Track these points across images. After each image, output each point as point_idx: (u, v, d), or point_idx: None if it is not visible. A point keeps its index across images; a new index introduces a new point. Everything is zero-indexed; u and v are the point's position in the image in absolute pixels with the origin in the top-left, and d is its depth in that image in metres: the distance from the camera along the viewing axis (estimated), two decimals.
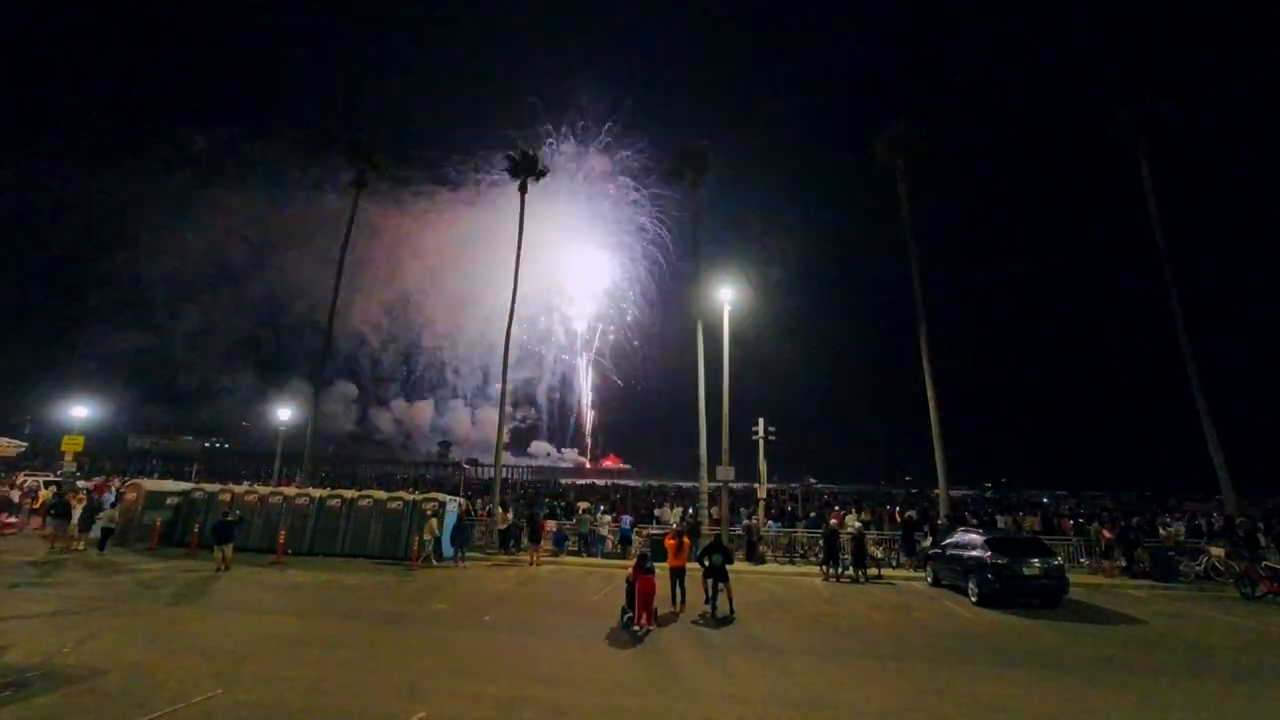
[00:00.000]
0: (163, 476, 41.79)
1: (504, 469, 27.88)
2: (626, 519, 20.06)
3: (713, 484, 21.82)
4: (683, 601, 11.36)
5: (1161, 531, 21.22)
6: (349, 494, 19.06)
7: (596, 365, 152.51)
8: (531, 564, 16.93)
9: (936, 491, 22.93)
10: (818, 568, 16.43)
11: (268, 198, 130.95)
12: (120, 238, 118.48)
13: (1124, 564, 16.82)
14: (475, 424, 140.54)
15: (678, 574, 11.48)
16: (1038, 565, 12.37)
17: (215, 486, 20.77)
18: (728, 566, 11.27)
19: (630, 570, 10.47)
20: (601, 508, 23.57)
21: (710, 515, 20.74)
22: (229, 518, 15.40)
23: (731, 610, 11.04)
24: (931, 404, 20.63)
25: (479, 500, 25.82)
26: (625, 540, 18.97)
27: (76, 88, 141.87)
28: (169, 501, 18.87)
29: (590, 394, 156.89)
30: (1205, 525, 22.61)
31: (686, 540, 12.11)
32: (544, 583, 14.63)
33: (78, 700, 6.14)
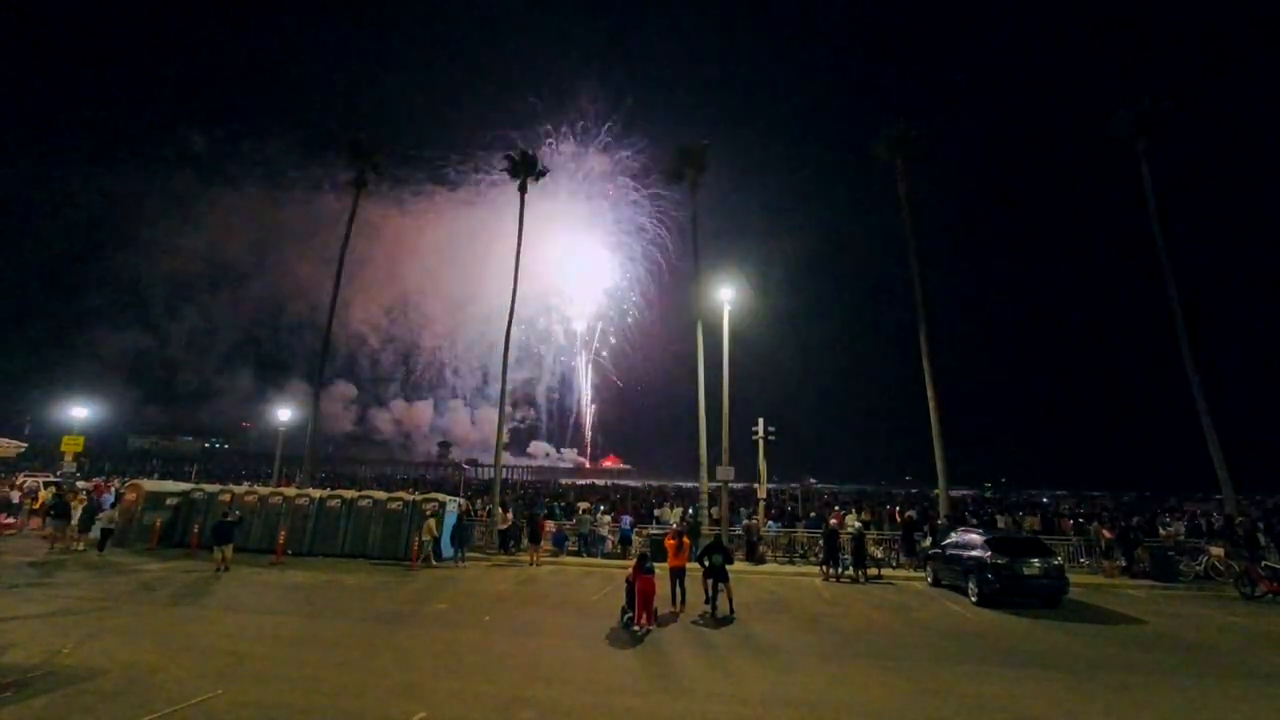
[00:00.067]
0: (162, 477, 41.78)
1: (504, 469, 27.88)
2: (626, 519, 20.06)
3: (713, 484, 21.82)
4: (683, 601, 11.36)
5: (1161, 531, 21.22)
6: (349, 494, 19.06)
7: (596, 365, 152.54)
8: (531, 564, 16.93)
9: (936, 491, 22.93)
10: (818, 568, 16.43)
11: (267, 198, 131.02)
12: (120, 238, 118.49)
13: (1124, 564, 16.82)
14: (475, 424, 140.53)
15: (678, 574, 11.48)
16: (1038, 565, 12.37)
17: (215, 487, 20.77)
18: (728, 566, 11.28)
19: (630, 570, 10.47)
20: (601, 508, 23.58)
21: (710, 515, 20.74)
22: (229, 518, 15.40)
23: (731, 610, 11.04)
24: (931, 404, 20.64)
25: (479, 500, 25.82)
26: (625, 540, 18.97)
27: (76, 88, 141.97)
28: (169, 502, 18.87)
29: (590, 394, 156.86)
30: (1205, 525, 22.63)
31: (686, 540, 12.11)
32: (544, 583, 14.63)
33: (78, 700, 6.14)
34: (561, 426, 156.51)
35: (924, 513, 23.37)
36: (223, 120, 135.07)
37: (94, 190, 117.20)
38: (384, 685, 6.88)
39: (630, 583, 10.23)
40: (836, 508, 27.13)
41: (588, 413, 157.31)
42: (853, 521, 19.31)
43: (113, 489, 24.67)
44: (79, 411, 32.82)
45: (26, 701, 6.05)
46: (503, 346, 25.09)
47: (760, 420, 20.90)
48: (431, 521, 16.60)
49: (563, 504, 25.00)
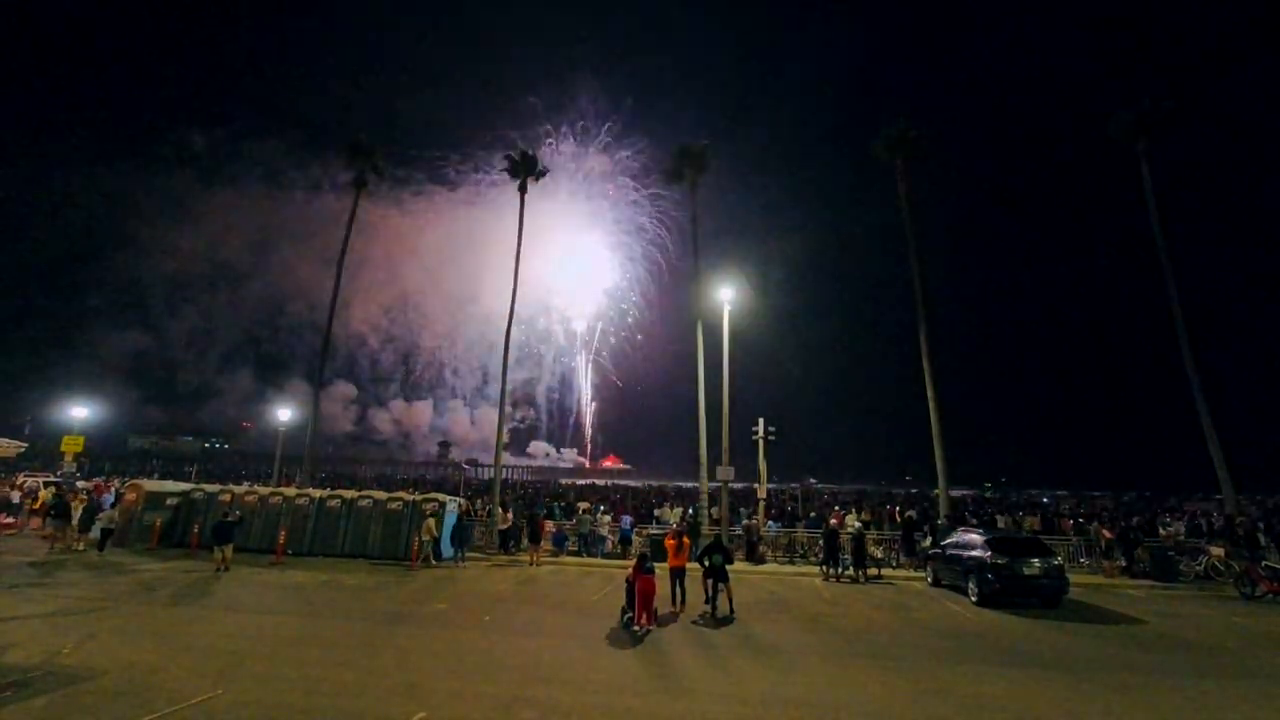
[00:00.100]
0: (162, 477, 41.77)
1: (504, 469, 27.88)
2: (626, 519, 20.07)
3: (713, 484, 21.81)
4: (683, 602, 11.36)
5: (1161, 531, 21.22)
6: (349, 494, 19.05)
7: (596, 365, 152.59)
8: (531, 564, 16.93)
9: (936, 491, 22.92)
10: (818, 568, 16.42)
11: (267, 197, 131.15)
12: (120, 238, 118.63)
13: (1124, 564, 16.82)
14: (474, 424, 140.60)
15: (678, 574, 11.48)
16: (1038, 565, 12.36)
17: (215, 487, 20.77)
18: (728, 567, 11.28)
19: (630, 570, 10.47)
20: (601, 508, 23.58)
21: (710, 515, 20.74)
22: (229, 518, 15.40)
23: (731, 610, 11.04)
24: (931, 404, 20.63)
25: (479, 500, 25.82)
26: (625, 540, 18.97)
27: (76, 88, 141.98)
28: (169, 502, 18.87)
29: (590, 394, 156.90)
30: (1205, 525, 22.63)
31: (686, 540, 12.11)
32: (544, 583, 14.63)
33: (78, 700, 6.14)
34: (561, 426, 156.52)
35: (924, 513, 23.37)
36: (222, 120, 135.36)
37: (94, 190, 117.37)
38: (384, 685, 6.88)
39: (630, 583, 10.23)
40: (836, 508, 27.14)
41: (588, 413, 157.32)
42: (853, 521, 19.30)
43: (113, 489, 24.67)
44: (79, 411, 32.82)
45: (26, 701, 6.05)
46: (503, 346, 25.09)
47: (760, 420, 20.92)
48: (431, 521, 16.60)
49: (563, 504, 25.00)
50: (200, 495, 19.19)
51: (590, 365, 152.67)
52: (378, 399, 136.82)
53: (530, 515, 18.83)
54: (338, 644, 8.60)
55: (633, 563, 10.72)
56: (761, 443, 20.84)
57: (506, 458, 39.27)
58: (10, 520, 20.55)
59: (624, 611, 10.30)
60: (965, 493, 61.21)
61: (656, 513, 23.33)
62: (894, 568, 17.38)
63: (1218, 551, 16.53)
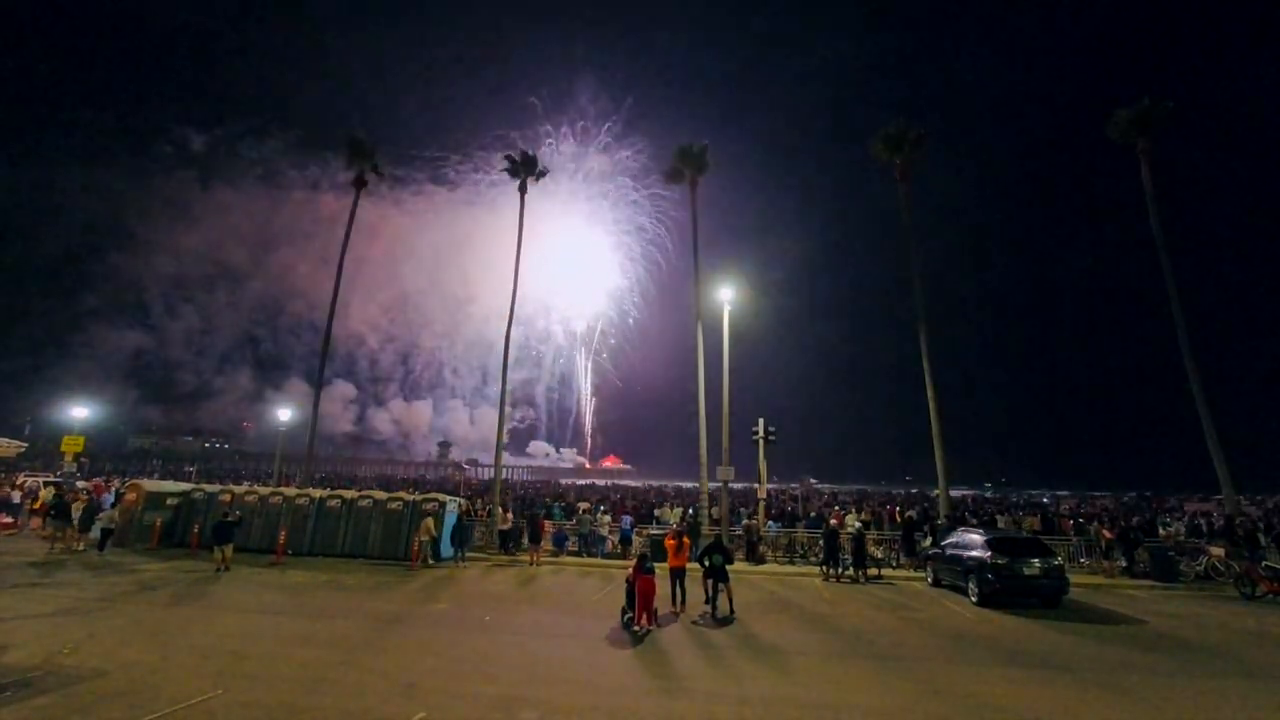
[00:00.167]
0: (163, 477, 41.76)
1: (504, 469, 27.85)
2: (627, 519, 20.06)
3: (713, 484, 21.78)
4: (683, 602, 11.35)
5: (1161, 531, 21.22)
6: (349, 494, 19.04)
7: (596, 365, 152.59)
8: (532, 564, 16.92)
9: (936, 491, 22.91)
10: (818, 568, 16.42)
11: (266, 197, 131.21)
12: (119, 238, 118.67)
13: (1124, 564, 16.81)
14: (474, 424, 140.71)
15: (678, 574, 11.47)
16: (1038, 565, 12.36)
17: (215, 487, 20.77)
18: (728, 567, 11.27)
19: (630, 570, 10.46)
20: (602, 508, 23.56)
21: (710, 515, 20.74)
22: (229, 518, 15.40)
23: (731, 610, 11.03)
24: (931, 404, 20.62)
25: (479, 500, 25.81)
26: (625, 540, 18.97)
27: (75, 88, 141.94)
28: (169, 502, 18.86)
29: (590, 394, 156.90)
30: (1205, 525, 22.63)
31: (686, 540, 12.10)
32: (544, 583, 14.63)
33: (78, 700, 6.14)
34: (561, 426, 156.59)
35: (924, 513, 23.36)
36: (222, 120, 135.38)
37: (93, 190, 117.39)
38: (384, 685, 6.88)
39: (630, 583, 10.23)
40: (836, 508, 27.15)
41: (587, 413, 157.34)
42: (853, 521, 19.30)
43: (113, 489, 24.67)
44: (79, 411, 32.84)
45: (26, 701, 6.05)
46: (502, 346, 25.09)
47: (760, 420, 20.88)
48: (429, 521, 16.59)
49: (563, 504, 24.99)
50: (200, 495, 19.19)
51: (590, 365, 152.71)
52: (377, 399, 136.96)
53: (530, 515, 18.83)
54: (338, 644, 8.60)
55: (633, 563, 10.72)
56: (761, 443, 20.82)
57: (506, 458, 39.26)
58: (10, 520, 20.55)
59: (624, 611, 10.30)
60: (965, 493, 61.27)
61: (656, 513, 23.31)
62: (894, 568, 17.38)
63: (1218, 551, 16.53)
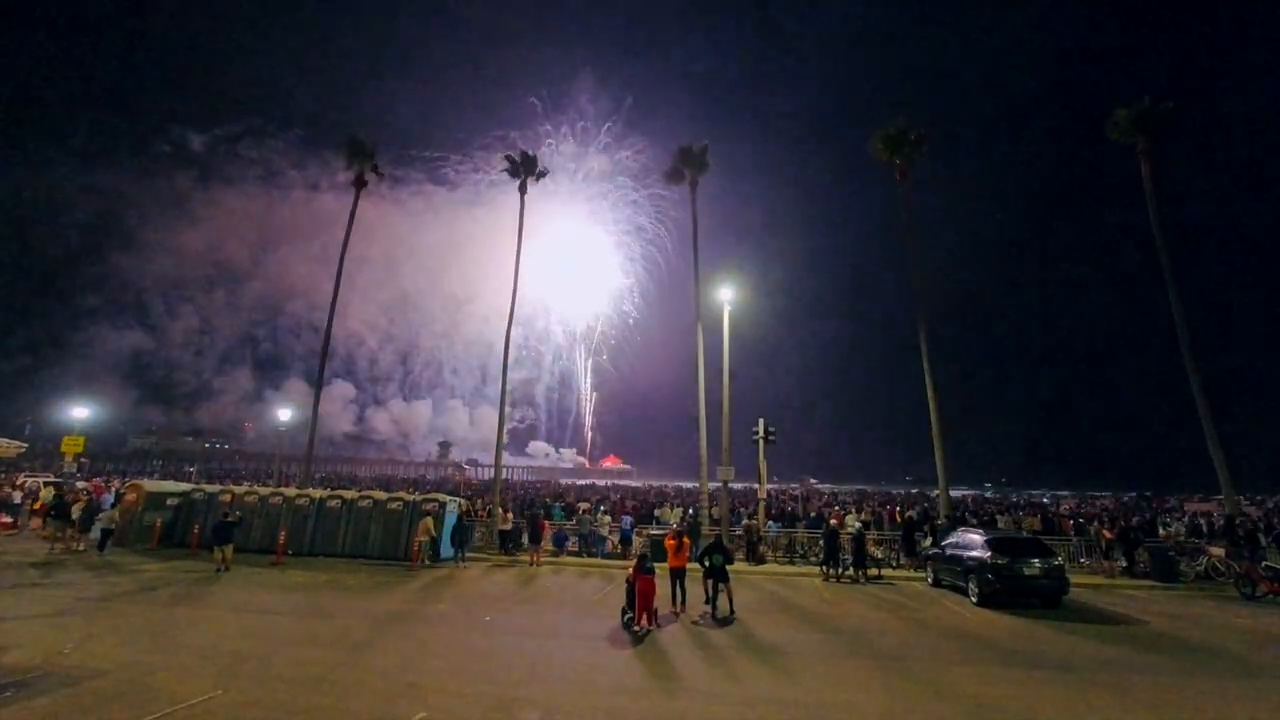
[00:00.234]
0: (163, 477, 41.77)
1: (504, 469, 27.84)
2: (627, 519, 20.05)
3: (713, 484, 21.77)
4: (683, 602, 11.34)
5: (1161, 531, 21.23)
6: (349, 495, 19.04)
7: (596, 365, 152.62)
8: (532, 564, 16.92)
9: (936, 492, 22.90)
10: (818, 568, 16.41)
11: (265, 198, 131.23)
12: (118, 238, 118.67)
13: (1124, 564, 16.81)
14: (473, 424, 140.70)
15: (678, 574, 11.46)
16: (1038, 565, 12.36)
17: (215, 487, 20.77)
18: (728, 567, 11.27)
19: (630, 570, 10.46)
20: (602, 508, 23.55)
21: (710, 515, 20.73)
22: (229, 518, 15.39)
23: (732, 610, 11.03)
24: (931, 404, 20.61)
25: (479, 501, 25.81)
26: (625, 540, 18.96)
27: (74, 87, 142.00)
28: (169, 502, 18.86)
29: (590, 394, 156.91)
30: (1205, 525, 22.63)
31: (686, 540, 12.09)
32: (544, 583, 14.63)
33: (78, 701, 6.14)
34: (561, 426, 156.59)
35: (924, 513, 23.36)
36: (221, 120, 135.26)
37: (92, 190, 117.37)
38: (384, 685, 6.88)
39: (630, 583, 10.23)
40: (836, 508, 27.15)
41: (587, 413, 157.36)
42: (853, 521, 19.29)
43: (113, 489, 24.68)
44: (79, 411, 32.86)
45: (26, 701, 6.05)
46: (502, 346, 25.09)
47: (760, 420, 20.87)
48: (428, 520, 16.57)
49: (563, 504, 24.99)
50: (200, 495, 19.18)
51: (590, 365, 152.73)
52: (376, 399, 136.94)
53: (530, 515, 18.82)
54: (338, 644, 8.60)
55: (633, 563, 10.72)
56: (761, 443, 20.81)
57: (506, 458, 39.26)
58: (9, 521, 20.55)
59: (624, 611, 10.30)
60: (965, 493, 61.31)
61: (657, 513, 23.30)
62: (894, 568, 17.37)
63: (1218, 552, 16.53)
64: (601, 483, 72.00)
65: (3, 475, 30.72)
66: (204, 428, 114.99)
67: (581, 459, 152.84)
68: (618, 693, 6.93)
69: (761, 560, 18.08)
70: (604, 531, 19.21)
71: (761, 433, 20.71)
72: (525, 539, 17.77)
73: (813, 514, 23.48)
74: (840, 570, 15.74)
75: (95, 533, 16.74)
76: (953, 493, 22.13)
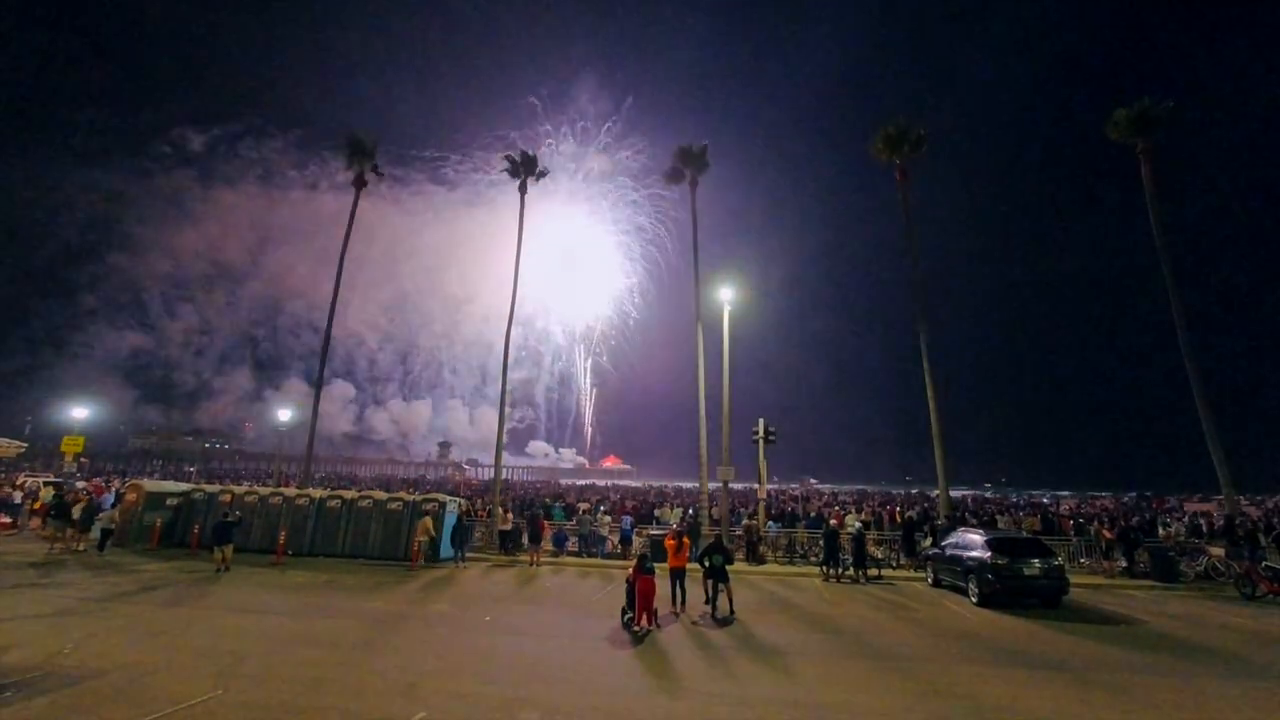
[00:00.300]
0: (163, 477, 41.76)
1: (504, 469, 27.83)
2: (627, 519, 20.04)
3: (713, 484, 21.76)
4: (683, 602, 11.34)
5: (1161, 531, 21.23)
6: (349, 494, 19.03)
7: (595, 365, 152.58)
8: (532, 564, 16.92)
9: (936, 492, 22.90)
10: (818, 568, 16.42)
11: (265, 197, 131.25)
12: (117, 238, 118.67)
13: (1124, 564, 16.81)
14: (473, 423, 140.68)
15: (678, 574, 11.46)
16: (1038, 565, 12.36)
17: (215, 487, 20.76)
18: (728, 567, 11.28)
19: (630, 571, 10.46)
20: (602, 508, 23.57)
21: (710, 515, 20.73)
22: (229, 518, 15.39)
23: (731, 611, 11.04)
24: (931, 404, 20.61)
25: (479, 501, 25.81)
26: (625, 540, 18.95)
27: (73, 86, 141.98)
28: (169, 502, 18.86)
29: (590, 394, 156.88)
30: (1205, 525, 22.63)
31: (686, 541, 12.10)
32: (544, 583, 14.63)
33: (78, 701, 6.14)
34: (561, 426, 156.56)
35: (924, 513, 23.38)
36: (220, 120, 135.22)
37: (91, 190, 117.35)
38: (384, 685, 6.88)
39: (630, 583, 10.23)
40: (836, 508, 27.17)
41: (587, 412, 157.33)
42: (853, 521, 19.29)
43: (113, 489, 24.67)
44: (79, 411, 32.86)
45: (26, 702, 6.05)
46: (502, 346, 25.08)
47: (760, 420, 20.87)
48: (427, 520, 16.57)
49: (563, 504, 25.00)
50: (200, 495, 19.18)
51: (590, 365, 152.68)
52: (376, 399, 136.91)
53: (530, 515, 18.82)
54: (338, 644, 8.60)
55: (633, 563, 10.71)
56: (761, 443, 20.80)
57: (506, 458, 39.25)
58: (8, 521, 20.54)
59: (624, 612, 10.30)
60: (965, 493, 61.32)
61: (657, 513, 23.32)
62: (894, 568, 17.37)
63: (1218, 552, 16.53)
64: (601, 483, 72.02)
65: (3, 475, 30.72)
66: (204, 428, 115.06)
67: (581, 459, 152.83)
68: (618, 693, 6.93)
69: (761, 560, 18.08)
70: (604, 531, 19.21)
71: (761, 433, 20.71)
72: (525, 539, 17.77)
73: (813, 514, 23.49)
74: (840, 570, 15.74)
75: (95, 533, 16.74)
76: (953, 493, 22.13)
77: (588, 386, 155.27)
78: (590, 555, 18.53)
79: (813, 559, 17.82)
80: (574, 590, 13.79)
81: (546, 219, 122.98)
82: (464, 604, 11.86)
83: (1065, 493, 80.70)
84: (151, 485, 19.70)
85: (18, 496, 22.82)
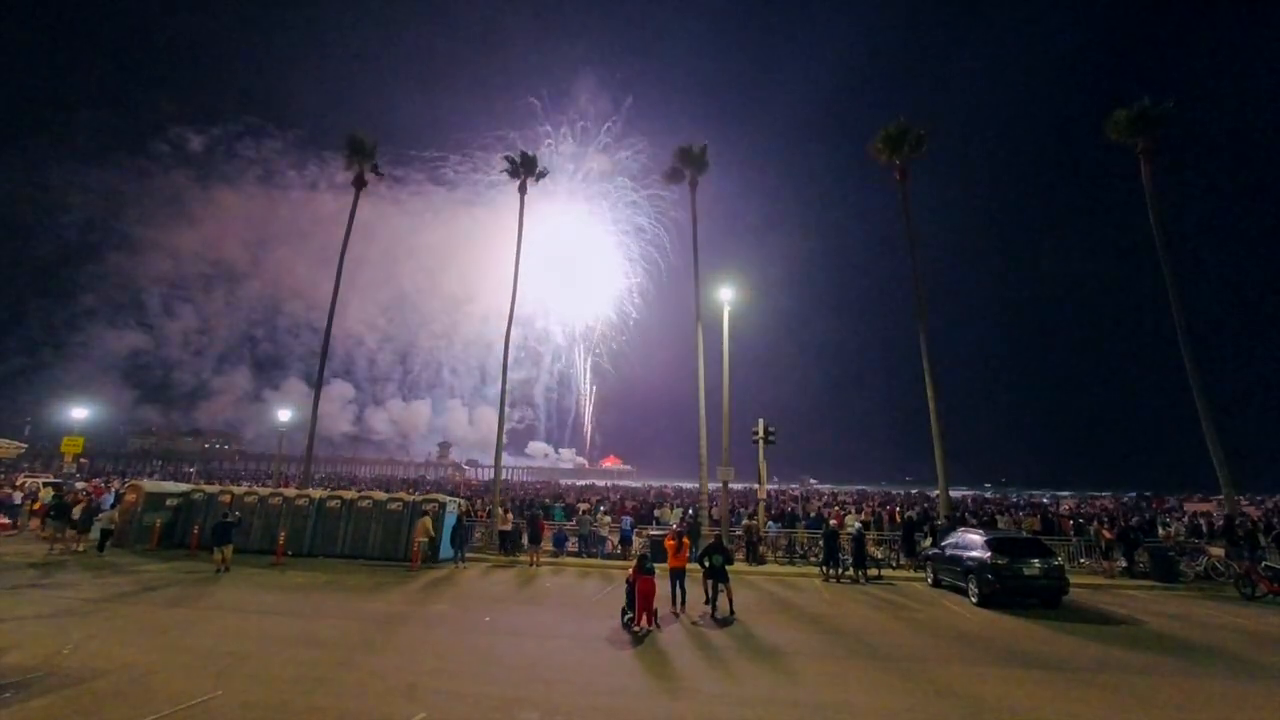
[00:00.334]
0: (163, 477, 41.76)
1: (504, 470, 27.81)
2: (626, 519, 20.05)
3: (713, 484, 21.74)
4: (683, 602, 11.34)
5: (1161, 532, 21.24)
6: (349, 495, 19.02)
7: (595, 365, 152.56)
8: (531, 565, 16.92)
9: (936, 492, 22.89)
10: (818, 568, 16.42)
11: (264, 197, 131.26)
12: (116, 238, 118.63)
13: (1124, 564, 16.81)
14: (472, 423, 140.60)
15: (678, 574, 11.46)
16: (1038, 565, 12.37)
17: (215, 487, 20.75)
18: (728, 567, 11.28)
19: (630, 571, 10.46)
20: (602, 508, 23.56)
21: (710, 515, 20.72)
22: (228, 519, 15.37)
23: (731, 611, 11.04)
24: (931, 404, 20.61)
25: (478, 501, 25.80)
26: (625, 541, 18.96)
27: (72, 86, 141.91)
28: (169, 503, 18.85)
29: (589, 394, 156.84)
30: (1205, 525, 22.63)
31: (686, 541, 12.10)
32: (544, 584, 14.62)
33: (78, 701, 6.13)
34: (560, 426, 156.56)
35: (924, 513, 23.37)
36: (220, 119, 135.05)
37: (90, 190, 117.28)
38: (384, 685, 6.88)
39: (630, 583, 10.23)
40: (836, 508, 27.17)
41: (587, 413, 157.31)
42: (853, 522, 19.29)
43: (112, 490, 24.66)
44: (78, 412, 32.85)
45: (27, 702, 6.04)
46: (501, 346, 25.07)
47: (760, 420, 20.86)
48: (427, 521, 16.57)
49: (563, 504, 24.99)
50: (200, 496, 19.17)
51: (589, 365, 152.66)
52: (375, 399, 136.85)
53: (530, 516, 18.82)
54: (338, 644, 8.60)
55: (633, 563, 10.71)
56: (761, 443, 20.80)
57: (506, 458, 39.25)
58: (7, 521, 20.53)
59: (624, 612, 10.30)
60: (965, 493, 61.34)
61: (656, 513, 23.31)
62: (894, 568, 17.37)
63: (1218, 552, 16.53)
64: (601, 483, 72.01)
65: (2, 476, 30.71)
66: (203, 428, 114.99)
67: (581, 459, 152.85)
68: (618, 693, 6.93)
69: (761, 560, 18.08)
70: (604, 532, 19.21)
71: (761, 433, 20.70)
72: (525, 539, 17.76)
73: (813, 514, 23.50)
74: (840, 570, 15.74)
75: (95, 533, 16.73)
76: (953, 493, 22.13)
77: (587, 387, 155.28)
78: (590, 555, 18.52)
79: (813, 559, 17.82)
80: (574, 591, 13.79)
81: (546, 219, 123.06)
82: (464, 604, 11.86)
83: (1065, 493, 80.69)
84: (151, 486, 19.68)
85: (17, 497, 22.81)
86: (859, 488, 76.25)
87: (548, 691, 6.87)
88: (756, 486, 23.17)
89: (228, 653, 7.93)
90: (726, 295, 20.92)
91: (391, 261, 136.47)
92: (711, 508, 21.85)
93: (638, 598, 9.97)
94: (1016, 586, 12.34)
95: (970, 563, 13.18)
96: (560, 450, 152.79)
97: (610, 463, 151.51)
